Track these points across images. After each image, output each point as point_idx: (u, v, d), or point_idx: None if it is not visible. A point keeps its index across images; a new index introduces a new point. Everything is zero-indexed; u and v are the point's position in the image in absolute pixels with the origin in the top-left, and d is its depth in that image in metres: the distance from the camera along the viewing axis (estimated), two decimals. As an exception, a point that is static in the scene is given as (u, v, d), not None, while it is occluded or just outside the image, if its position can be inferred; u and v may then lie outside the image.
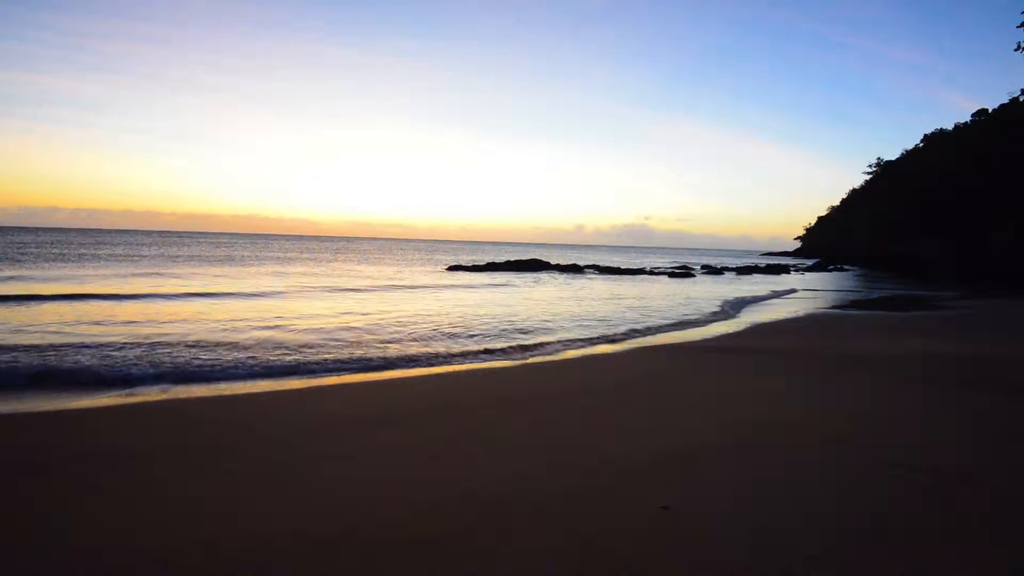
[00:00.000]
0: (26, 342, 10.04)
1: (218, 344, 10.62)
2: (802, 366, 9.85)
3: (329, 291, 22.34)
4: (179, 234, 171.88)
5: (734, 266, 56.80)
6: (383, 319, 15.09)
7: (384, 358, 10.23)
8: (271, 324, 13.37)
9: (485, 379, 8.90)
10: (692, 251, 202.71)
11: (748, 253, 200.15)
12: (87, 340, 10.41)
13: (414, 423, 6.16)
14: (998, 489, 4.40)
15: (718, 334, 14.19)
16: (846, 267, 65.06)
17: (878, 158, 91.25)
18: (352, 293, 22.06)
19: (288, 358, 9.79)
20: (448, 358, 10.53)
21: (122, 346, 9.94)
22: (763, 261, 78.79)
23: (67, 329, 11.60)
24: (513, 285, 29.02)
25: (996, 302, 24.48)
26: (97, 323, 12.49)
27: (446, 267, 43.77)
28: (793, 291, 30.84)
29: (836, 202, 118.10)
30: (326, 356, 10.12)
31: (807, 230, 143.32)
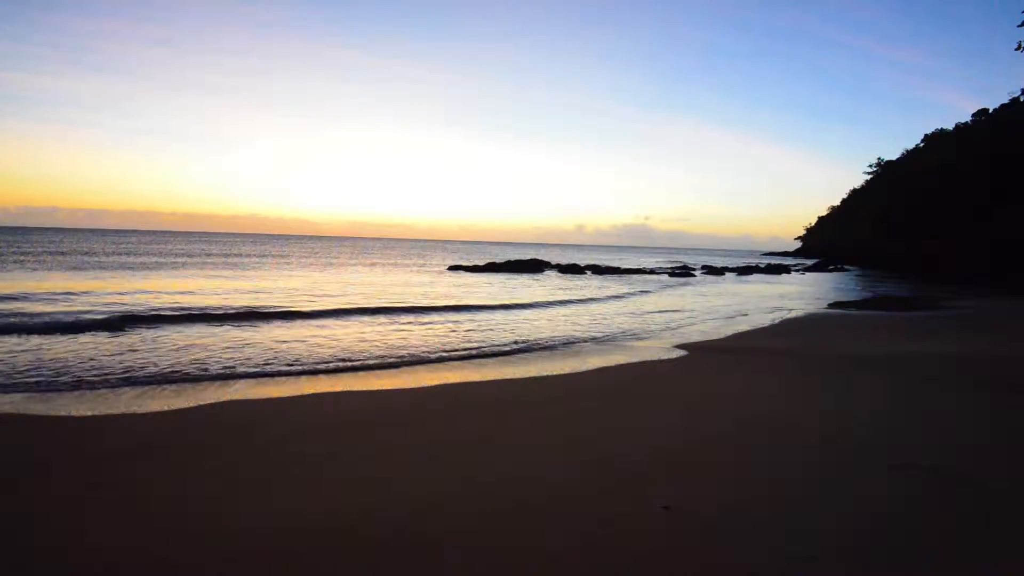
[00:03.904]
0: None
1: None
2: (802, 366, 9.84)
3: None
4: (186, 235, 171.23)
5: (735, 266, 56.80)
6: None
7: (387, 360, 10.24)
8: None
9: (487, 382, 8.89)
10: (692, 251, 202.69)
11: (749, 253, 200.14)
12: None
13: (415, 424, 6.16)
14: (998, 489, 4.39)
15: (721, 335, 14.18)
16: (846, 267, 65.06)
17: (878, 158, 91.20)
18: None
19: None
20: (451, 362, 10.55)
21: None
22: (763, 261, 78.81)
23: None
24: (581, 301, 22.70)
25: (996, 302, 24.47)
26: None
27: (447, 267, 43.75)
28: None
29: (836, 202, 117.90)
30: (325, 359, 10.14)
31: (807, 230, 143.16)
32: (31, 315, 13.16)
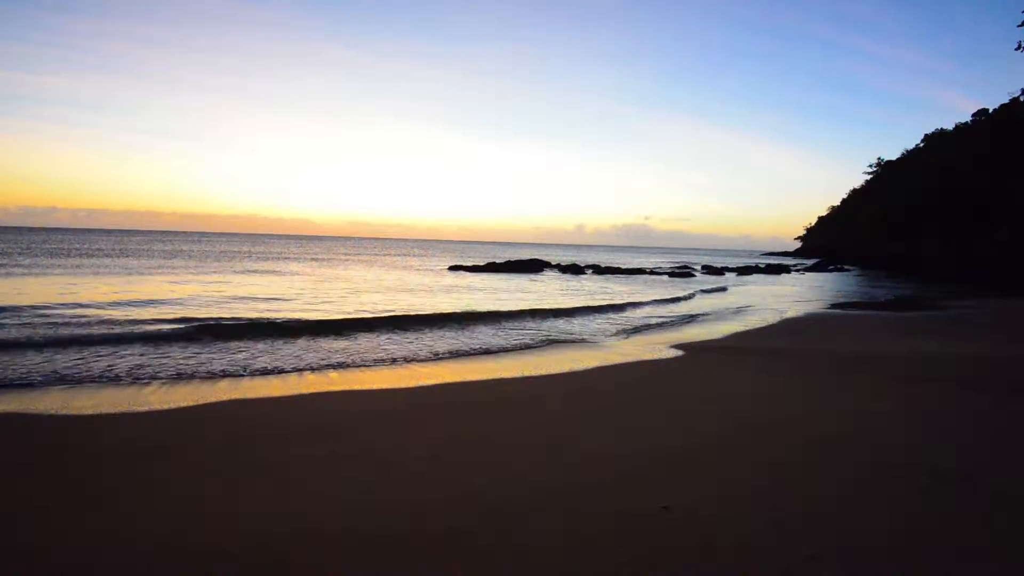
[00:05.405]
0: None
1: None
2: (802, 366, 9.84)
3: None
4: (187, 235, 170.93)
5: (734, 266, 56.81)
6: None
7: (389, 360, 10.24)
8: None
9: (485, 382, 8.89)
10: (692, 251, 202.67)
11: (749, 253, 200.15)
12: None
13: (415, 423, 6.16)
14: (998, 489, 4.39)
15: (720, 335, 14.17)
16: (846, 267, 65.03)
17: (878, 158, 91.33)
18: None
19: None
20: (449, 359, 10.55)
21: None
22: (763, 261, 78.80)
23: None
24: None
25: (996, 302, 24.46)
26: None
27: (447, 267, 43.74)
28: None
29: (836, 202, 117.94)
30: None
31: (807, 230, 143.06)
32: (89, 323, 12.89)
